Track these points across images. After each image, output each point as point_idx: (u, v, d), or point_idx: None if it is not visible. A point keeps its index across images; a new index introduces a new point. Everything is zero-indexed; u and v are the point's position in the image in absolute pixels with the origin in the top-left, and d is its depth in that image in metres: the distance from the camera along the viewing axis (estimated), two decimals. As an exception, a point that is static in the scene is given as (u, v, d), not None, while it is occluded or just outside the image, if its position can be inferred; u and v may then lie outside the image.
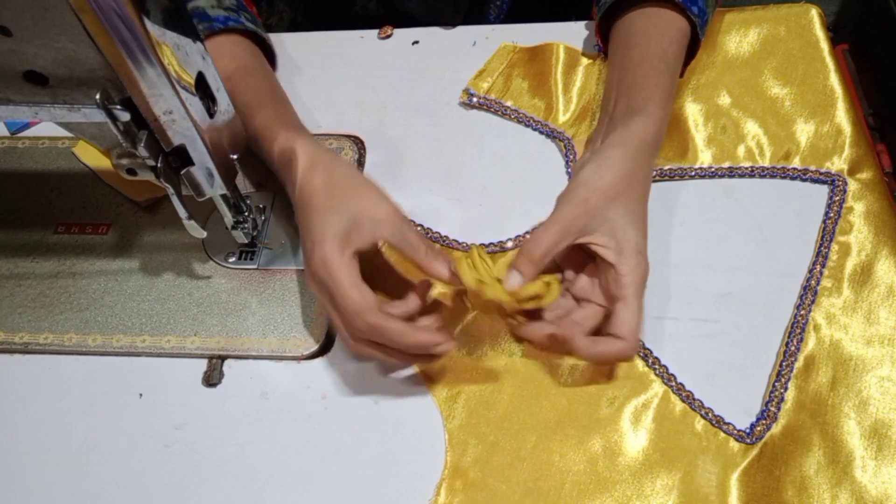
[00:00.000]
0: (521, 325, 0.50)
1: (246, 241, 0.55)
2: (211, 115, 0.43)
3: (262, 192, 0.60)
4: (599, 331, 0.49)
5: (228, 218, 0.51)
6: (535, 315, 0.51)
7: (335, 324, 0.48)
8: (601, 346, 0.47)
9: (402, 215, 0.48)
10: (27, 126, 0.65)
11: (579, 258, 0.51)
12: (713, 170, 0.59)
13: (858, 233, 0.55)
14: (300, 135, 0.53)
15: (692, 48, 0.60)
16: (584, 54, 0.66)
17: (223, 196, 0.49)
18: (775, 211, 0.57)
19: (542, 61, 0.66)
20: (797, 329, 0.51)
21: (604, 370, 0.50)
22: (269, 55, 0.63)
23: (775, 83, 0.63)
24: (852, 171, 0.58)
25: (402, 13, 0.69)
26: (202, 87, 0.42)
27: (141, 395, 0.52)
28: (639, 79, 0.55)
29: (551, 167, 0.61)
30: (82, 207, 0.60)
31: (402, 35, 0.70)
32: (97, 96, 0.38)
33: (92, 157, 0.62)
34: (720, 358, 0.51)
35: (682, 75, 0.63)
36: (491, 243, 0.57)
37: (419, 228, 0.58)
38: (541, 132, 0.63)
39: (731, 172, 0.59)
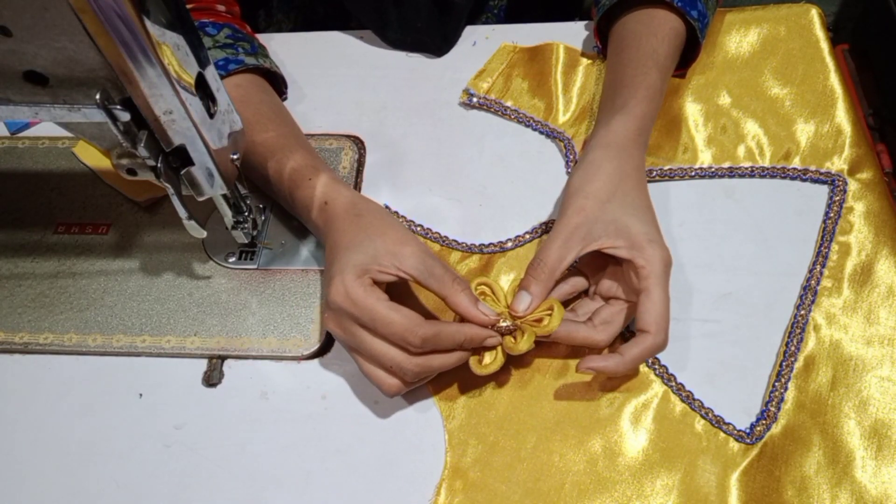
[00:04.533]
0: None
1: (246, 241, 0.54)
2: (211, 115, 0.43)
3: (262, 191, 0.59)
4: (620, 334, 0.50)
5: (228, 218, 0.51)
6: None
7: (368, 370, 0.46)
8: (630, 352, 0.46)
9: (428, 253, 0.47)
10: (27, 126, 0.65)
11: (601, 262, 0.51)
12: (713, 170, 0.59)
13: (858, 233, 0.55)
14: (321, 172, 0.52)
15: (693, 50, 0.60)
16: (583, 54, 0.66)
17: (223, 196, 0.49)
18: (775, 211, 0.57)
19: (542, 61, 0.66)
20: (797, 329, 0.51)
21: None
22: (276, 80, 0.62)
23: (775, 83, 0.63)
24: (852, 171, 0.58)
25: (391, 40, 0.69)
26: (202, 87, 0.42)
27: (141, 395, 0.52)
28: (626, 79, 0.55)
29: (551, 167, 0.61)
30: (82, 207, 0.60)
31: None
32: (97, 96, 0.38)
33: (92, 157, 0.62)
34: (720, 358, 0.51)
35: (683, 76, 0.63)
36: (491, 243, 0.57)
37: (419, 228, 0.58)
38: (541, 132, 0.63)
39: (731, 172, 0.59)
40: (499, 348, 0.47)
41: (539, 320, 0.47)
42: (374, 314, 0.44)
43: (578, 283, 0.52)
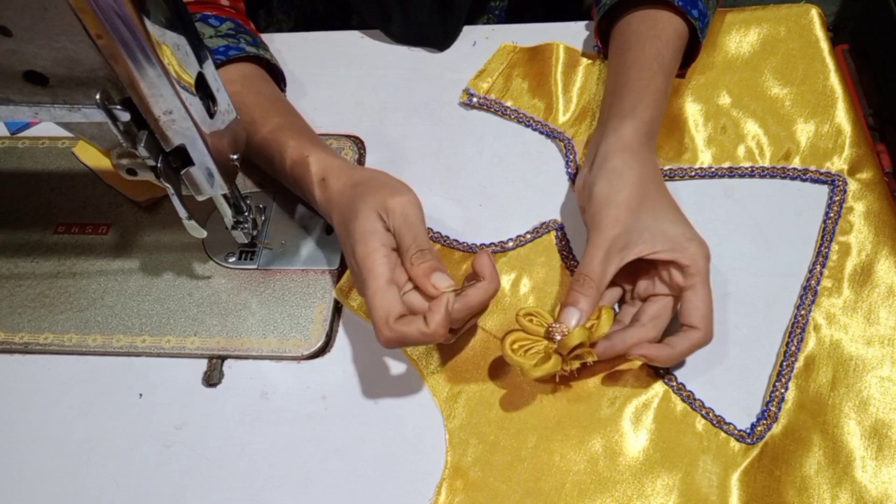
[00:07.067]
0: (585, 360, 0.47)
1: (246, 241, 0.54)
2: (211, 115, 0.43)
3: (262, 191, 0.60)
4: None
5: (228, 218, 0.51)
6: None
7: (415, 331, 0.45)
8: (680, 346, 0.47)
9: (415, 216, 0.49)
10: (27, 126, 0.65)
11: (632, 268, 0.51)
12: (713, 170, 0.59)
13: (858, 233, 0.55)
14: (316, 147, 0.53)
15: (693, 50, 0.60)
16: (584, 54, 0.66)
17: (223, 196, 0.49)
18: (775, 211, 0.57)
19: (542, 61, 0.66)
20: (797, 329, 0.51)
21: (607, 367, 0.50)
22: (276, 74, 0.62)
23: (775, 83, 0.63)
24: (852, 171, 0.58)
25: (394, 35, 0.69)
26: (202, 87, 0.42)
27: (141, 395, 0.52)
28: (631, 81, 0.55)
29: (551, 167, 0.61)
30: (82, 207, 0.60)
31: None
32: (97, 96, 0.38)
33: (92, 157, 0.62)
34: (720, 358, 0.51)
35: (683, 76, 0.63)
36: (491, 243, 0.57)
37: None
38: (541, 132, 0.63)
39: (731, 172, 0.59)
40: (554, 354, 0.46)
41: (590, 327, 0.46)
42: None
43: (615, 294, 0.52)
